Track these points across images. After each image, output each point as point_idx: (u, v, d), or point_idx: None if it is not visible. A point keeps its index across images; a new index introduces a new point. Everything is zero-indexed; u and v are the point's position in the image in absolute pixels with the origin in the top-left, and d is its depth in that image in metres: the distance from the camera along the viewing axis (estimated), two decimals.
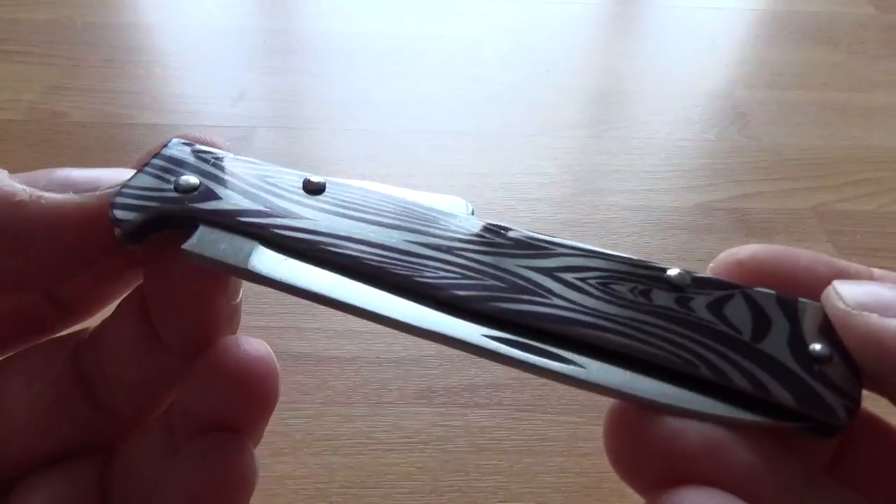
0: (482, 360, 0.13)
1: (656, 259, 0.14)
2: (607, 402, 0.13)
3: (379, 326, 0.13)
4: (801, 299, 0.13)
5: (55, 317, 0.17)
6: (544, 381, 0.39)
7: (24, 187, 0.14)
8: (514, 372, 0.39)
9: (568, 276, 0.13)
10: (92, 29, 0.65)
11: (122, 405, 0.16)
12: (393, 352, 0.39)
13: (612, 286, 0.13)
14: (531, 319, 0.12)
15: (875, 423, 0.15)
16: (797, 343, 0.13)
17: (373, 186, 0.14)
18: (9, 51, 0.62)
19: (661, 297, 0.13)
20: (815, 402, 0.12)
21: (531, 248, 0.13)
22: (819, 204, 0.51)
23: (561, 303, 0.13)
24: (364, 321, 0.13)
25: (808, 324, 0.13)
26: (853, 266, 0.14)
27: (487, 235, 0.13)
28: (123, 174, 0.14)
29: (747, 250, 0.14)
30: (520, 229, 0.14)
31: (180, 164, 0.14)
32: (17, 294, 0.15)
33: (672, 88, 0.63)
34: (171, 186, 0.14)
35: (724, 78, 0.65)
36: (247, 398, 0.14)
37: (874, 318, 0.12)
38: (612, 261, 0.14)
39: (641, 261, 0.14)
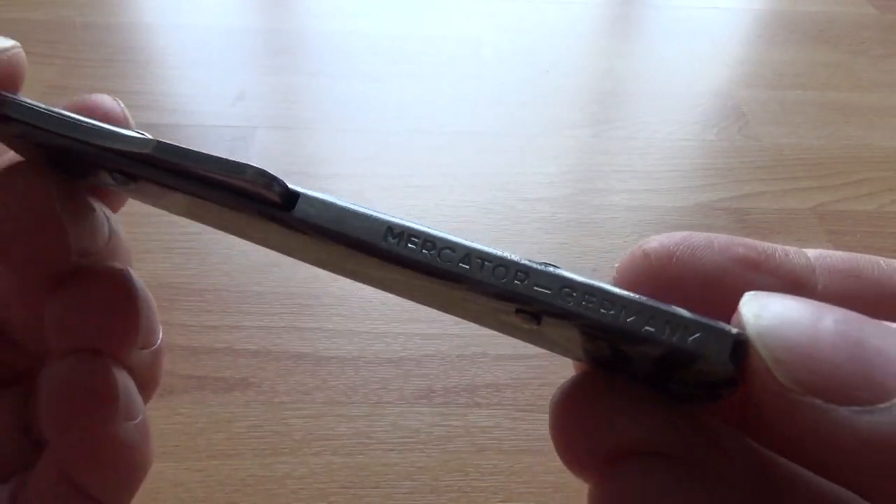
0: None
1: None
2: None
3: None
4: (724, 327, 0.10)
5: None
6: (544, 380, 0.39)
7: None
8: (514, 372, 0.39)
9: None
10: (91, 29, 0.65)
11: (28, 344, 0.16)
12: (393, 352, 0.39)
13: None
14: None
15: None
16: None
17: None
18: None
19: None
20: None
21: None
22: (819, 204, 0.51)
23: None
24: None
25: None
26: (779, 249, 0.11)
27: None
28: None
29: (655, 241, 0.12)
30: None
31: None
32: None
33: (672, 88, 0.63)
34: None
35: (725, 78, 0.65)
36: (106, 323, 0.15)
37: (838, 415, 0.08)
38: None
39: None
